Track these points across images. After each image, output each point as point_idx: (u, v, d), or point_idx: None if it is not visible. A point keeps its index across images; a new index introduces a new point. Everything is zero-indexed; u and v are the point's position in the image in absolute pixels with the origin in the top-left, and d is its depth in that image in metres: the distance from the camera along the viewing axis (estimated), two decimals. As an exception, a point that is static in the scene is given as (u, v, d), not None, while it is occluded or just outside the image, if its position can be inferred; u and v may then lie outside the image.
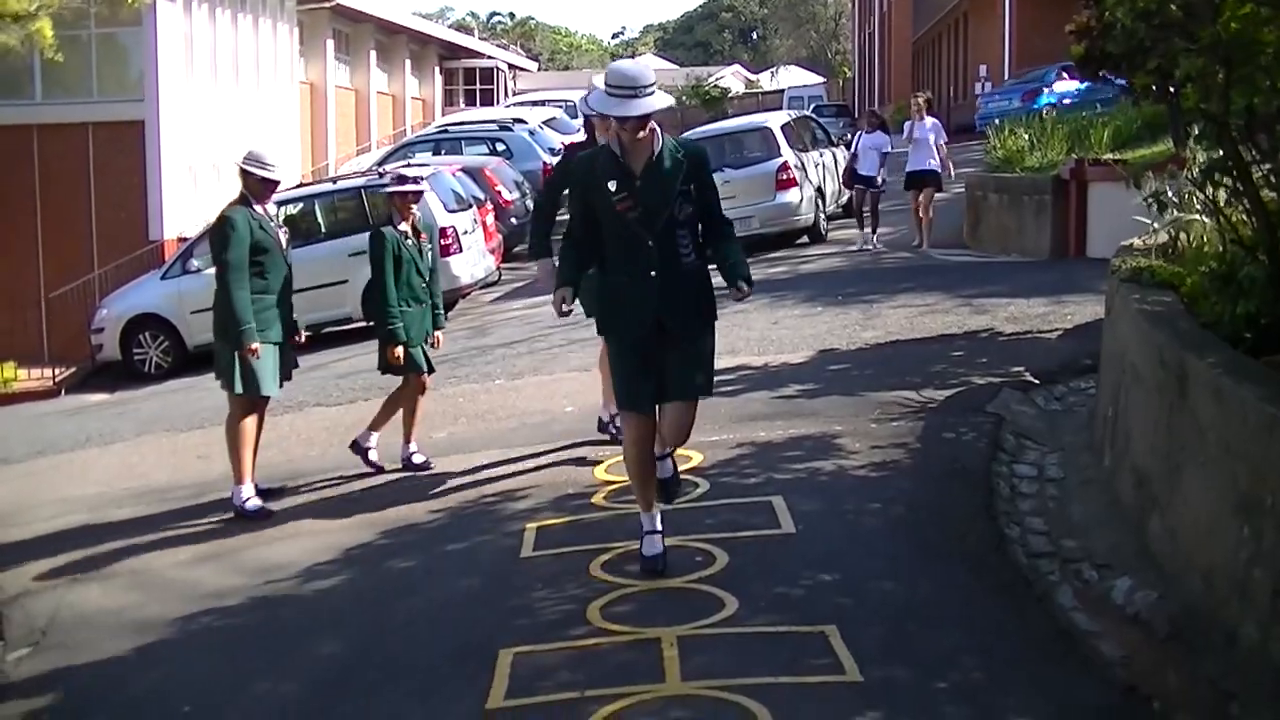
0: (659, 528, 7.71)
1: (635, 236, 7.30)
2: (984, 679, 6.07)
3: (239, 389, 10.23)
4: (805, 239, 23.71)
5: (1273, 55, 7.06)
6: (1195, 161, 9.34)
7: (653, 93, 7.25)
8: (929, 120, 21.95)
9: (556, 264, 7.82)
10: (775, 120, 24.92)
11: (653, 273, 7.29)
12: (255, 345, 10.06)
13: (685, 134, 24.58)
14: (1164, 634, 6.21)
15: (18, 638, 8.37)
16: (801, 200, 23.05)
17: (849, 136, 24.44)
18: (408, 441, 10.95)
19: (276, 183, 10.72)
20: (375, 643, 7.31)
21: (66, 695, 7.34)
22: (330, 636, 7.55)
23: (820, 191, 24.19)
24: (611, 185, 7.28)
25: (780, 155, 23.09)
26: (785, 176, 22.83)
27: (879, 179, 22.22)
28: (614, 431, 10.19)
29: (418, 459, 10.89)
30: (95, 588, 9.12)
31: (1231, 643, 5.71)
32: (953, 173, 22.57)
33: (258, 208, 10.49)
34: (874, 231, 22.28)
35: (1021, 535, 7.90)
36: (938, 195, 22.24)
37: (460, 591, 7.90)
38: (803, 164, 23.53)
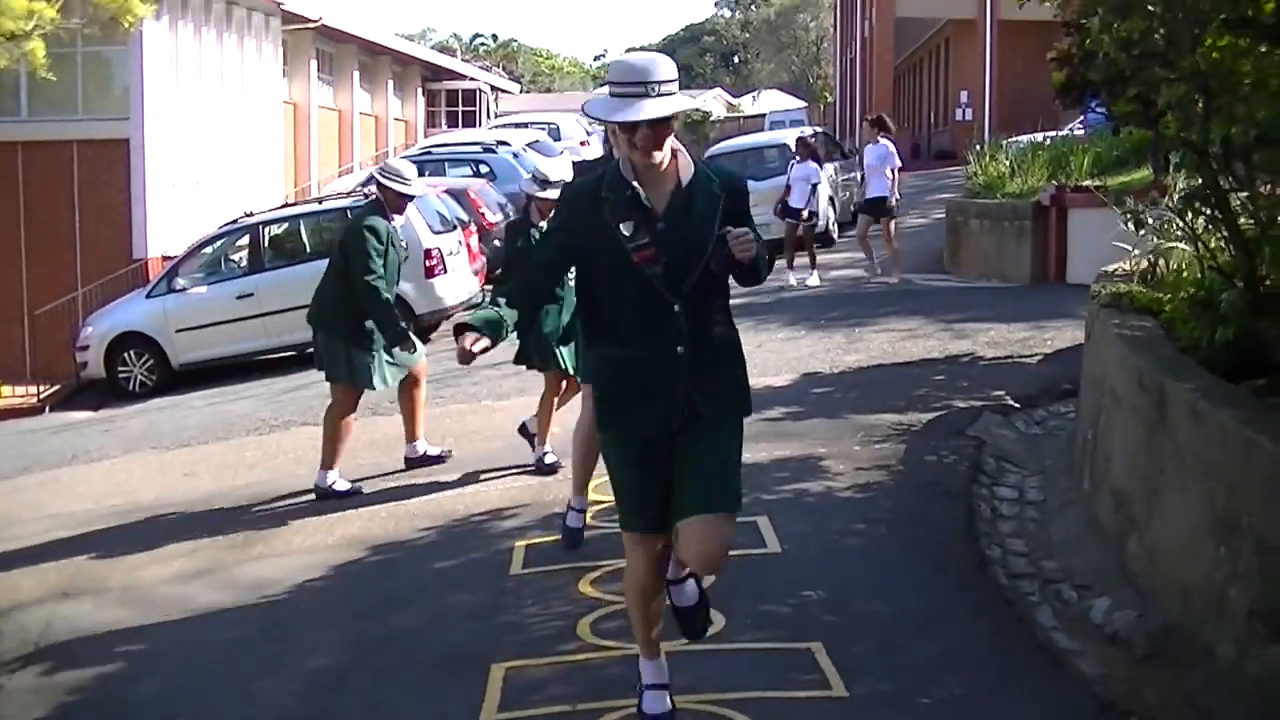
0: (666, 680, 5.99)
1: (657, 298, 5.37)
2: (966, 695, 6.19)
3: (350, 381, 11.00)
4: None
5: (1251, 86, 7.20)
6: (1175, 189, 9.49)
7: (672, 92, 5.37)
8: (881, 143, 21.02)
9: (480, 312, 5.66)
10: (793, 137, 26.89)
11: (680, 348, 5.40)
12: (413, 340, 11.04)
13: (709, 151, 25.81)
14: (1142, 653, 6.33)
15: (10, 651, 8.41)
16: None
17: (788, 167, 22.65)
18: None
19: (412, 196, 11.40)
20: (367, 658, 7.39)
21: (60, 708, 7.39)
22: (322, 652, 7.63)
23: (832, 201, 26.72)
24: (625, 228, 5.36)
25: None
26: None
27: (806, 212, 21.42)
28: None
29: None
30: (87, 602, 9.18)
31: (1208, 660, 5.83)
32: (896, 198, 21.24)
33: (395, 219, 11.16)
34: (812, 268, 21.51)
35: (1002, 556, 8.03)
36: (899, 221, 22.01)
37: (451, 607, 8.00)
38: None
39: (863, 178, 22.50)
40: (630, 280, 5.35)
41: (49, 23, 22.75)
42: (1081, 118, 29.04)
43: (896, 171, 20.99)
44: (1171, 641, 6.22)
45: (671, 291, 5.33)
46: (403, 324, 11.25)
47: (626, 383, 5.50)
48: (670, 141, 5.37)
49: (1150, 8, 7.32)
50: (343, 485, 10.94)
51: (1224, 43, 7.23)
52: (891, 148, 20.97)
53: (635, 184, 5.38)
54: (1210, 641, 5.87)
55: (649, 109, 5.26)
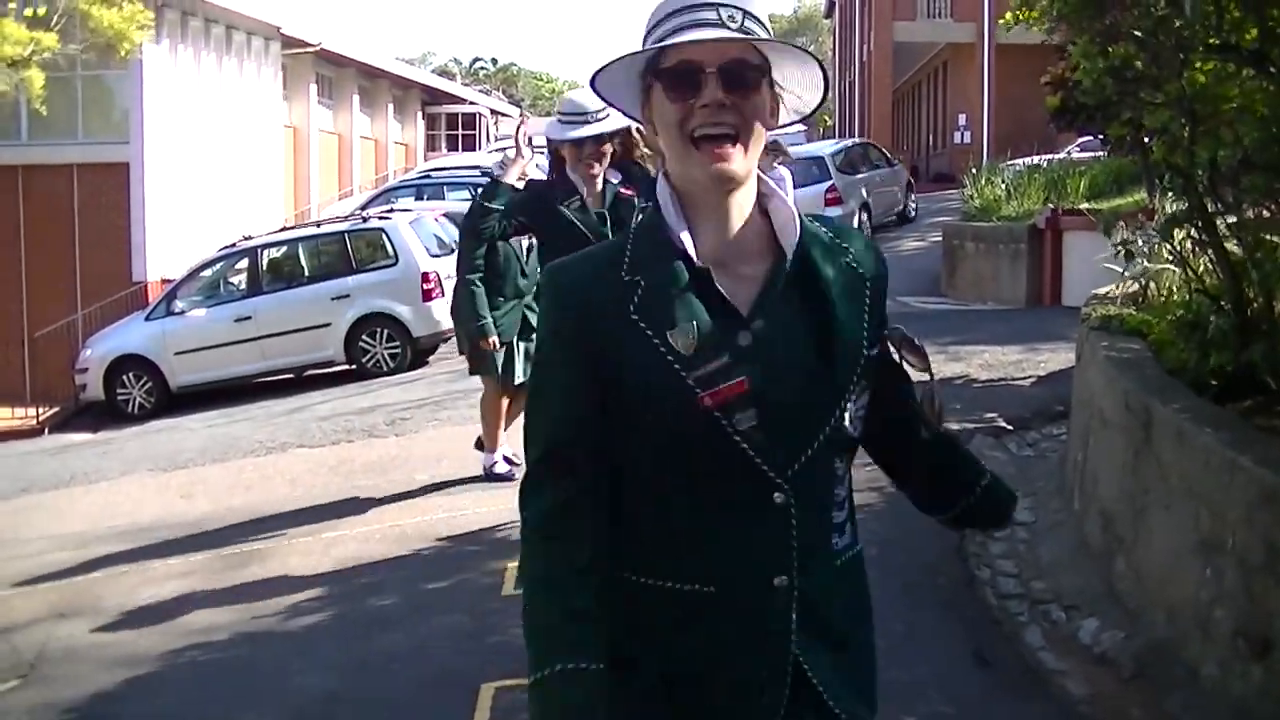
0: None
1: (745, 477, 2.61)
2: (953, 715, 6.24)
3: (497, 373, 10.84)
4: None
5: (1236, 109, 7.27)
6: (1164, 212, 9.56)
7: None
8: (777, 171, 19.31)
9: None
10: (828, 150, 30.68)
11: (781, 578, 2.65)
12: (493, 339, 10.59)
13: None
14: (1129, 672, 6.37)
15: (5, 671, 8.46)
16: (843, 215, 27.10)
17: None
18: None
19: None
20: (359, 677, 7.44)
21: (55, 728, 7.46)
22: (314, 671, 7.67)
23: (866, 205, 29.29)
24: (680, 339, 2.58)
25: (830, 179, 28.25)
26: (831, 195, 27.71)
27: None
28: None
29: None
30: (82, 622, 9.23)
31: (1193, 680, 5.87)
32: None
33: None
34: None
35: (991, 577, 8.07)
36: None
37: (442, 628, 8.04)
38: (848, 185, 28.71)
39: None
40: (692, 442, 2.61)
41: (48, 49, 22.85)
42: (1079, 141, 29.18)
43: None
44: (1157, 661, 6.26)
45: (773, 465, 2.62)
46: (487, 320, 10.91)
47: (683, 650, 2.70)
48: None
49: (1136, 34, 7.39)
50: (503, 468, 11.15)
51: (1209, 68, 7.30)
52: (787, 176, 19.18)
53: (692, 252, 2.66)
54: (1195, 661, 5.91)
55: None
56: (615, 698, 2.64)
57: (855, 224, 27.51)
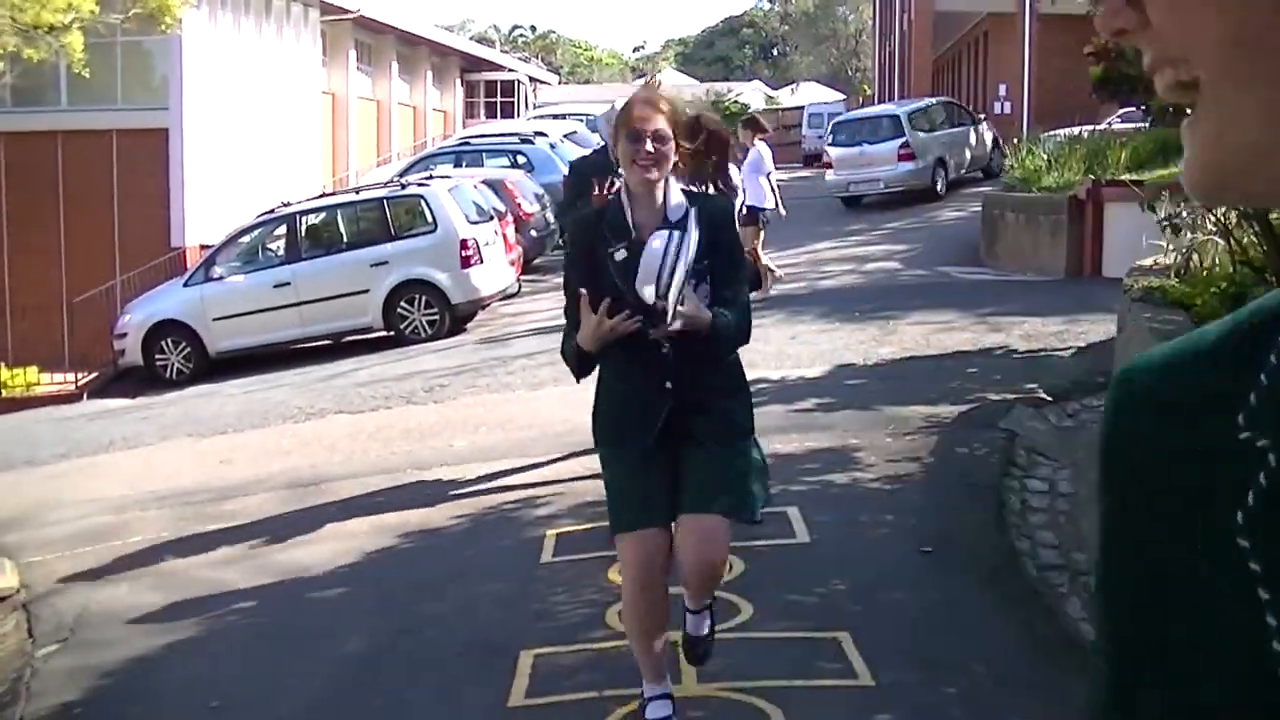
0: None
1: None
2: (992, 685, 6.22)
3: None
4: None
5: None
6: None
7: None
8: (755, 147, 18.38)
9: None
10: (904, 109, 32.09)
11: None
12: None
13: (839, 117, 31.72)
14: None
15: (47, 634, 8.53)
16: (917, 169, 29.04)
17: None
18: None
19: None
20: (399, 642, 7.46)
21: (96, 690, 7.49)
22: (355, 636, 7.71)
23: (942, 161, 30.42)
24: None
25: (904, 135, 29.61)
26: (904, 151, 29.18)
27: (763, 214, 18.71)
28: None
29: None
30: (123, 586, 9.28)
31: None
32: (769, 208, 18.41)
33: None
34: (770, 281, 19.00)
35: (1032, 548, 8.04)
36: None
37: (482, 595, 8.06)
38: (923, 143, 29.90)
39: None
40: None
41: (88, 15, 22.88)
42: (1120, 112, 29.02)
43: (771, 178, 18.51)
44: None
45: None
46: None
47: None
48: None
49: None
50: None
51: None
52: (764, 152, 18.56)
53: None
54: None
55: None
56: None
57: (931, 178, 29.46)
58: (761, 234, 18.21)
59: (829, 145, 32.20)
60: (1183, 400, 1.05)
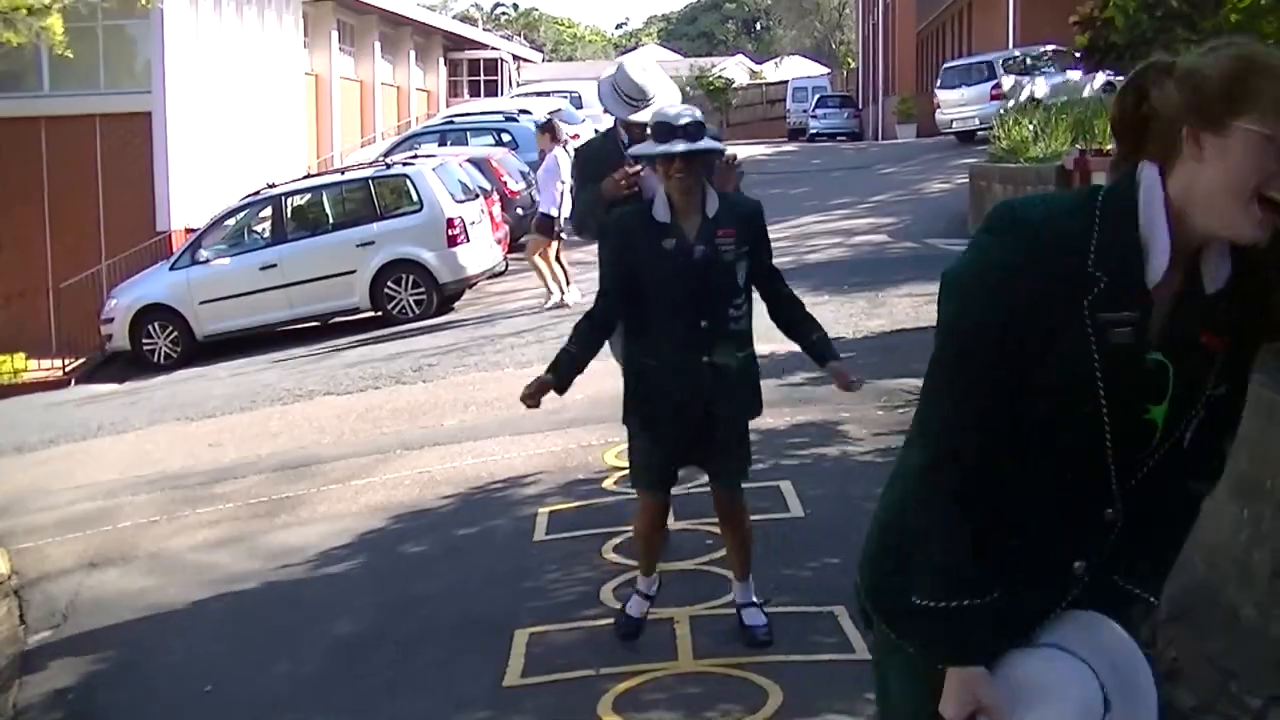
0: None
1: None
2: (989, 658, 6.20)
3: None
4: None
5: (1273, 46, 7.18)
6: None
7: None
8: (551, 153, 18.27)
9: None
10: (999, 56, 35.08)
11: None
12: None
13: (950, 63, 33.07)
14: (1167, 615, 6.32)
15: (39, 620, 8.51)
16: (1010, 106, 28.47)
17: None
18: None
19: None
20: (392, 623, 7.44)
21: (89, 676, 7.48)
22: (347, 617, 7.69)
23: (1034, 100, 30.29)
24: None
25: (996, 78, 32.59)
26: (995, 91, 31.49)
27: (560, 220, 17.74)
28: None
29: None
30: (114, 571, 9.26)
31: (1232, 623, 5.83)
32: (562, 215, 17.08)
33: None
34: (564, 284, 18.30)
35: (1026, 519, 8.03)
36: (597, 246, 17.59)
37: (474, 574, 8.04)
38: (1015, 84, 31.50)
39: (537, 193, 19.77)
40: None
41: (67, -1, 22.76)
42: (1104, 81, 29.06)
43: (565, 185, 16.79)
44: (1195, 604, 6.22)
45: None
46: None
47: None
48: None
49: (1172, -32, 7.30)
50: None
51: (1246, 3, 7.21)
52: (560, 158, 17.70)
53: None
54: (1234, 604, 5.87)
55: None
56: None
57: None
58: (556, 242, 18.00)
59: (938, 88, 36.46)
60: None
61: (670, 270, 5.96)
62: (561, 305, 17.65)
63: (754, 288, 6.20)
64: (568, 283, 18.06)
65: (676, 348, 6.02)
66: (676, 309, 5.99)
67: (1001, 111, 26.19)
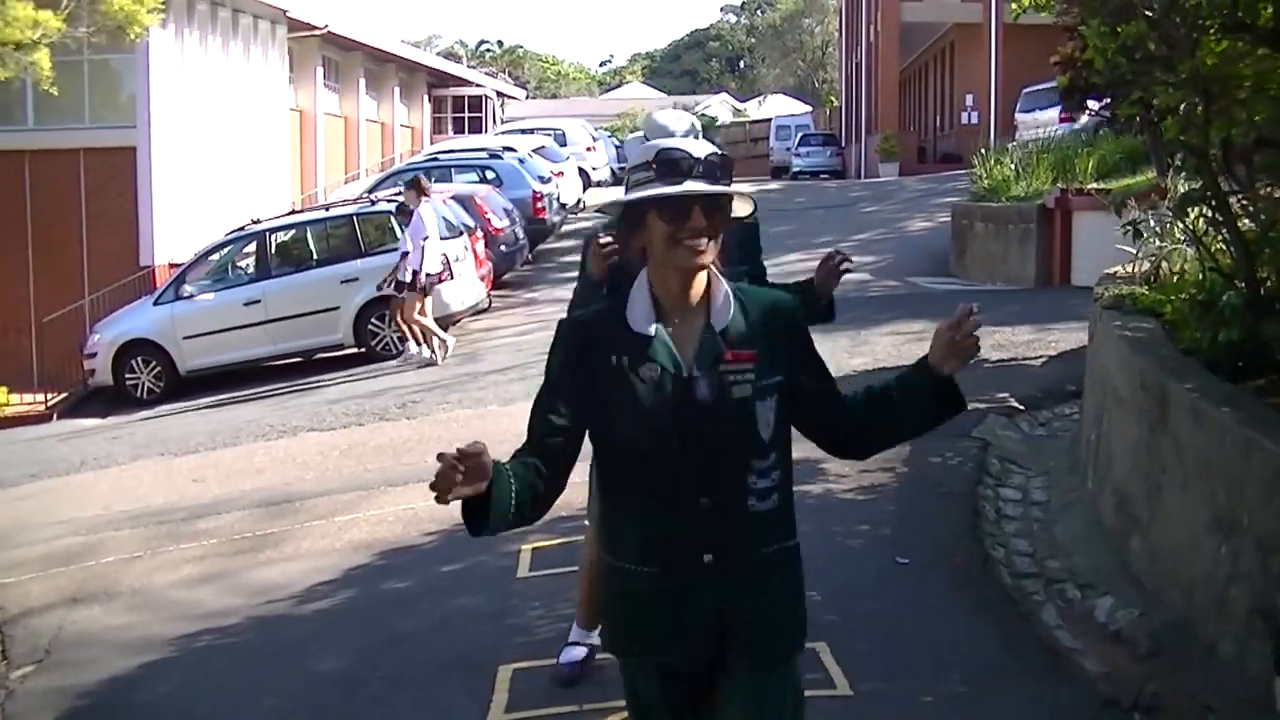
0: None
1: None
2: (969, 693, 6.24)
3: None
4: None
5: (1250, 89, 7.26)
6: (1176, 191, 9.55)
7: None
8: (417, 210, 18.21)
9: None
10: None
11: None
12: None
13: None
14: (1145, 650, 6.38)
15: (21, 656, 8.50)
16: (1074, 130, 27.70)
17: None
18: None
19: None
20: (376, 659, 7.46)
21: (72, 712, 7.48)
22: (331, 653, 7.70)
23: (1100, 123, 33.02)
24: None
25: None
26: (1063, 116, 28.90)
27: (400, 277, 18.55)
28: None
29: None
30: (97, 607, 9.25)
31: (1210, 658, 5.88)
32: (424, 274, 18.04)
33: None
34: (420, 342, 18.72)
35: (1006, 556, 8.08)
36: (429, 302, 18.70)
37: (458, 610, 8.06)
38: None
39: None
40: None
41: (55, 32, 22.79)
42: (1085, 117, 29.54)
43: (424, 243, 18.00)
44: (1174, 639, 6.27)
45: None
46: None
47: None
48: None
49: (1148, 13, 7.37)
50: None
51: (1222, 47, 7.29)
52: (424, 215, 18.23)
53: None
54: (1212, 639, 5.92)
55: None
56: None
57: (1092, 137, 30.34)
58: (423, 301, 18.26)
59: (1018, 111, 36.23)
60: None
61: (651, 416, 3.69)
62: (431, 363, 18.18)
63: (795, 428, 3.96)
64: (438, 340, 18.44)
65: (662, 542, 3.73)
66: (660, 478, 3.71)
67: (1068, 132, 26.90)
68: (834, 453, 4.21)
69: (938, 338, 3.85)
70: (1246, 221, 7.63)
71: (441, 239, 20.12)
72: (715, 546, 3.72)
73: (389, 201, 21.74)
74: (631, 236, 3.79)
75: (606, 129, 58.30)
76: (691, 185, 3.62)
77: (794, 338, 3.87)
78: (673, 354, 3.70)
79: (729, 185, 3.69)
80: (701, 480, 3.70)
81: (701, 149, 3.67)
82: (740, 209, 3.82)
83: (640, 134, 5.91)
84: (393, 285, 18.68)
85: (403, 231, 18.77)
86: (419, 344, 18.49)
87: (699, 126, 5.64)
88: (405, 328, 18.69)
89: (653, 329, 3.71)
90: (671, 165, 3.65)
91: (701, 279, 3.73)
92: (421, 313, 18.32)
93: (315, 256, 21.23)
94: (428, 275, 18.09)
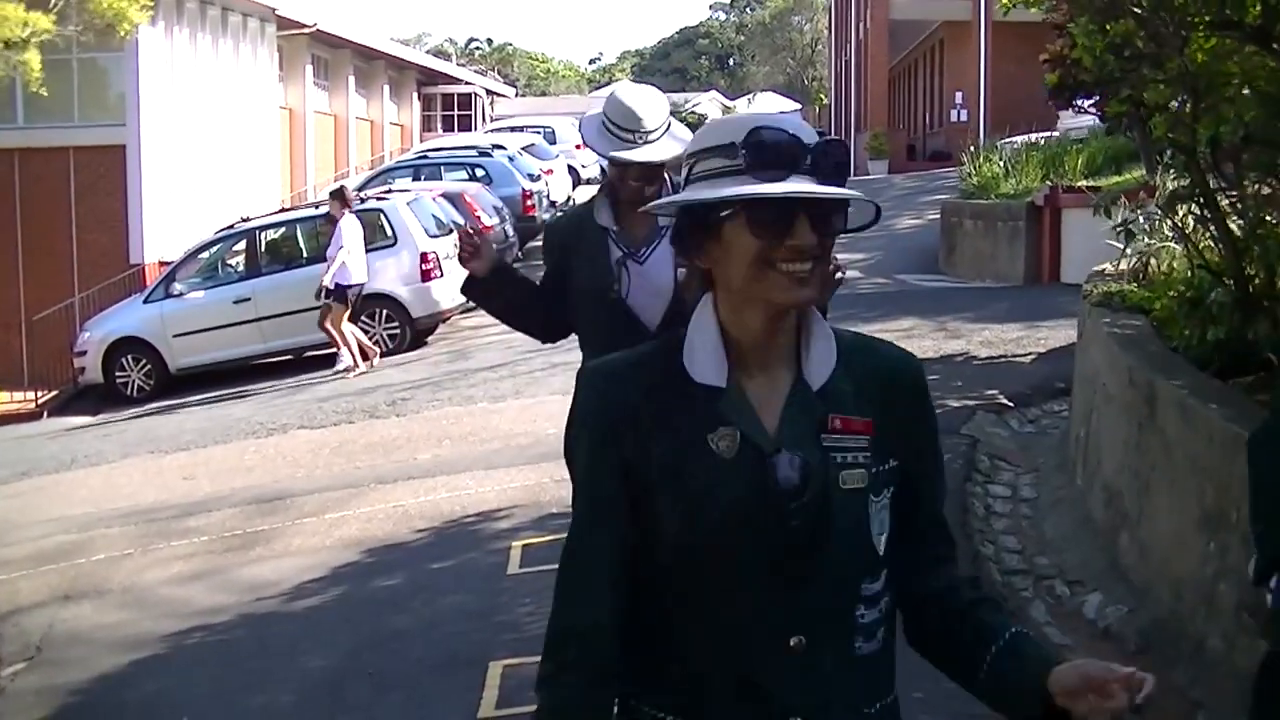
0: None
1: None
2: (958, 690, 6.23)
3: None
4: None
5: (1238, 86, 7.28)
6: (1165, 189, 9.56)
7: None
8: (340, 221, 18.58)
9: None
10: None
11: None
12: None
13: None
14: (1134, 647, 6.40)
15: (12, 654, 8.49)
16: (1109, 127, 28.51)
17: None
18: None
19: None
20: (366, 656, 7.46)
21: (62, 710, 7.47)
22: (322, 651, 7.70)
23: None
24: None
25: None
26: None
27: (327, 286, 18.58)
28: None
29: None
30: (87, 605, 9.25)
31: (1199, 654, 5.90)
32: (332, 285, 18.34)
33: None
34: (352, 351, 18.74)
35: (996, 553, 8.09)
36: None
37: (448, 607, 8.07)
38: None
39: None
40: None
41: (45, 31, 22.75)
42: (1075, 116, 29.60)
43: (339, 254, 18.30)
44: (1162, 635, 6.29)
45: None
46: None
47: None
48: None
49: (1136, 10, 7.39)
50: None
51: (1210, 44, 7.30)
52: (345, 226, 18.51)
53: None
54: (1200, 635, 5.94)
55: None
56: None
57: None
58: (346, 310, 18.47)
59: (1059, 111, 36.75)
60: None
61: (718, 510, 2.40)
62: (349, 370, 18.31)
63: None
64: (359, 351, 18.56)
65: (730, 700, 2.46)
66: (729, 606, 2.44)
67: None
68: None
69: (1083, 677, 2.31)
70: (1235, 219, 7.65)
71: (430, 237, 20.14)
72: (806, 708, 2.47)
73: (379, 199, 21.75)
74: (694, 253, 2.49)
75: (596, 127, 58.11)
76: (798, 185, 2.36)
77: (917, 418, 2.59)
78: (755, 418, 2.43)
79: (844, 187, 2.43)
80: (790, 611, 2.43)
81: (809, 132, 2.44)
82: (858, 218, 2.54)
83: (599, 112, 5.31)
84: (322, 293, 18.73)
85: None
86: (340, 348, 18.63)
87: (670, 119, 5.24)
88: (331, 334, 18.76)
89: (724, 381, 2.45)
90: (770, 153, 2.39)
91: (792, 317, 2.53)
92: (344, 320, 18.48)
93: (305, 254, 21.19)
94: (349, 287, 18.32)
